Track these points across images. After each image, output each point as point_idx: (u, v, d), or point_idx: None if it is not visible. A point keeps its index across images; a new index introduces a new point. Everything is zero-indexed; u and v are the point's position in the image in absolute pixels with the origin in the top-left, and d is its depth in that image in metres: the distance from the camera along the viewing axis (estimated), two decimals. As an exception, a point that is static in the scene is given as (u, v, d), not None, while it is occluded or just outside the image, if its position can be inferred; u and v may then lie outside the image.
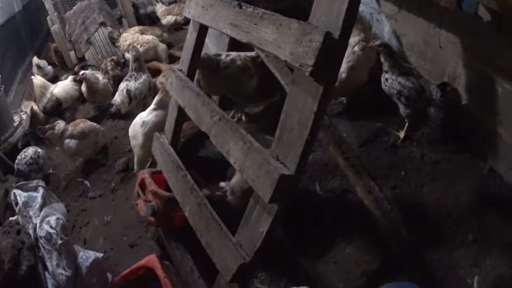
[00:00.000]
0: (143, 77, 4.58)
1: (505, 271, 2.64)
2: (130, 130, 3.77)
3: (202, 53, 3.14)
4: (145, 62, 4.81)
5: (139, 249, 3.27)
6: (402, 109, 3.14)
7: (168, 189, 2.90)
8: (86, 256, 3.27)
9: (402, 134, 3.26)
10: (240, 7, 2.46)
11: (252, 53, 3.52)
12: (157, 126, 3.48)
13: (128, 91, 4.52)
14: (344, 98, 3.72)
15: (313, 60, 1.87)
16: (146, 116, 3.61)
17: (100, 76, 5.03)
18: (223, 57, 3.40)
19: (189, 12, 3.06)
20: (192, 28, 3.05)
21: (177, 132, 3.07)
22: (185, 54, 3.06)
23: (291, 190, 2.03)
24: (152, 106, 3.63)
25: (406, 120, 3.21)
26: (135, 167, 3.83)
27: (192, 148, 3.53)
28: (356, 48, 3.37)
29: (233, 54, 3.46)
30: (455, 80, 3.13)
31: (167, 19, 6.06)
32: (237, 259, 2.21)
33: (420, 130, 3.32)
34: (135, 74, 4.59)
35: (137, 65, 4.56)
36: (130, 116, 4.59)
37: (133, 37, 5.23)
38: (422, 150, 3.21)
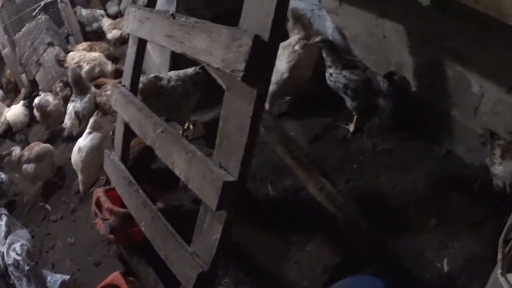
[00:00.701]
0: (88, 95, 4.55)
1: (475, 250, 2.69)
2: (71, 156, 3.78)
3: (148, 77, 3.14)
4: (92, 79, 4.79)
5: (104, 268, 3.26)
6: (349, 103, 3.15)
7: (124, 205, 2.89)
8: (54, 280, 3.28)
9: (351, 127, 3.28)
10: (174, 17, 2.46)
11: (191, 70, 3.51)
12: (94, 150, 3.46)
13: (76, 113, 4.50)
14: (289, 97, 3.73)
15: (244, 65, 1.87)
16: (82, 141, 3.58)
17: (50, 98, 4.98)
18: (164, 82, 3.35)
19: (127, 27, 3.05)
20: (132, 42, 3.04)
21: (126, 148, 3.06)
22: (127, 69, 3.05)
23: (237, 196, 2.03)
24: (87, 130, 3.59)
25: (354, 113, 3.23)
26: (80, 189, 3.84)
27: (144, 161, 3.51)
28: (296, 47, 3.37)
29: (174, 76, 3.42)
30: (402, 68, 3.16)
31: (113, 34, 6.00)
32: (195, 269, 2.21)
33: (370, 121, 3.32)
34: (80, 94, 4.56)
35: (78, 85, 4.55)
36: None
37: (80, 55, 5.18)
38: (373, 141, 3.23)
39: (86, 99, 4.52)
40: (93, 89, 4.72)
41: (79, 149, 3.59)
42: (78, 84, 4.59)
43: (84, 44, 5.74)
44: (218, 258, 2.19)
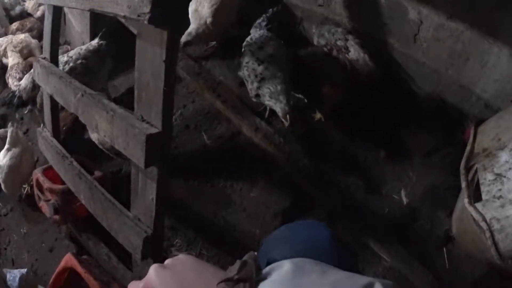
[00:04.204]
0: None
1: (433, 179, 2.66)
2: None
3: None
4: (24, 59, 4.58)
5: (59, 251, 3.13)
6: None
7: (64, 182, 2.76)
8: (13, 276, 3.17)
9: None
10: (80, -26, 2.31)
11: (94, 43, 3.30)
12: (14, 168, 3.22)
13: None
14: (214, 43, 3.61)
15: (149, 6, 1.73)
16: (1, 160, 3.37)
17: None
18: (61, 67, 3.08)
19: (41, -3, 2.90)
20: (47, 12, 2.86)
21: (56, 122, 2.91)
22: (46, 41, 2.87)
23: (165, 148, 1.93)
24: (6, 146, 3.36)
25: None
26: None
27: (78, 132, 3.37)
28: None
29: (74, 55, 3.19)
30: (330, 0, 3.08)
31: (41, 11, 5.78)
32: (140, 234, 2.11)
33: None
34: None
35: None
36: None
37: (8, 40, 4.96)
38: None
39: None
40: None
41: (-1, 167, 3.37)
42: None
43: (16, 23, 5.52)
44: (160, 219, 2.11)
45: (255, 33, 2.93)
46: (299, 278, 0.78)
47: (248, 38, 2.91)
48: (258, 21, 3.02)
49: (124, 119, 1.98)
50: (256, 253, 0.86)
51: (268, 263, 0.84)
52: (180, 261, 0.90)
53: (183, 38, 3.18)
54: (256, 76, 2.62)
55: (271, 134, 2.53)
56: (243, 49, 2.84)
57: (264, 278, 0.79)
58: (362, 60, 2.89)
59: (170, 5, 1.81)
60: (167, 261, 0.90)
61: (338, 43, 3.00)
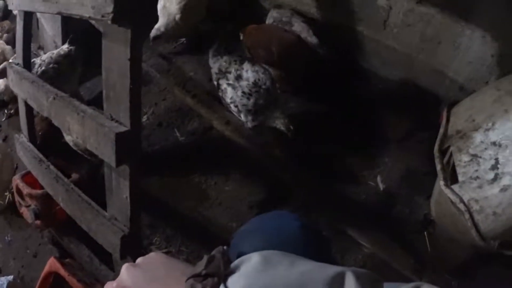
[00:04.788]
0: None
1: (409, 164, 2.67)
2: None
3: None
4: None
5: (43, 256, 3.13)
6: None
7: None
8: (1, 284, 3.16)
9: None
10: (49, -21, 2.32)
11: (65, 47, 3.29)
12: None
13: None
14: (184, 39, 3.62)
15: (112, 6, 1.76)
16: None
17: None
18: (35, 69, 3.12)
19: (12, 4, 2.88)
20: (19, 18, 2.87)
21: (32, 126, 2.92)
22: (18, 46, 2.87)
23: (136, 146, 1.95)
24: None
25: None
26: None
27: (54, 135, 3.36)
28: None
29: (47, 59, 3.20)
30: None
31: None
32: (117, 233, 2.13)
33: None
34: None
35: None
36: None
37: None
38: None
39: None
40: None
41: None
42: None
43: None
44: (136, 217, 2.11)
45: (221, 62, 2.78)
46: (267, 270, 0.78)
47: (215, 70, 2.78)
48: (214, 48, 2.89)
49: (94, 119, 1.99)
50: (225, 247, 0.86)
51: (239, 256, 0.84)
52: (151, 259, 0.91)
53: (152, 33, 3.19)
54: (249, 110, 2.59)
55: (241, 126, 2.55)
56: (217, 83, 2.75)
57: (233, 272, 0.79)
58: (306, 33, 2.92)
59: (133, 4, 1.82)
60: (138, 260, 0.92)
61: (284, 19, 3.04)
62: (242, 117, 2.63)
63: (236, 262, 0.82)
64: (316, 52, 2.96)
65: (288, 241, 1.18)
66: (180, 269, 0.87)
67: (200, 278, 0.79)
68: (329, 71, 3.00)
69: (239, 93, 2.59)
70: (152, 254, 0.93)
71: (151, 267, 0.89)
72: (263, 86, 2.59)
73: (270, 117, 2.54)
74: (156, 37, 3.21)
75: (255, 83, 2.59)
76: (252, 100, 2.56)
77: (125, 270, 0.89)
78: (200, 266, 0.81)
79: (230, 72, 2.68)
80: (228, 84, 2.66)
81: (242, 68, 2.66)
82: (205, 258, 0.82)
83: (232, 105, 2.64)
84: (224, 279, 0.78)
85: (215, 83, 2.75)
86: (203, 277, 0.79)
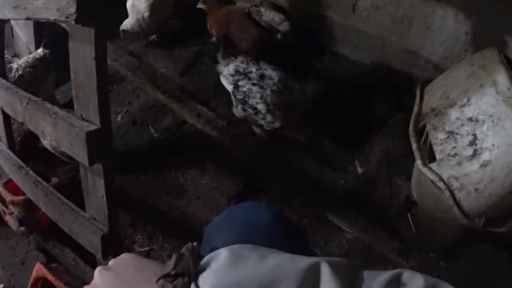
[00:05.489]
0: None
1: (385, 146, 2.67)
2: None
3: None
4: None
5: (31, 263, 3.12)
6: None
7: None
8: (-8, 293, 3.17)
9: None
10: (16, -13, 2.33)
11: (40, 51, 3.29)
12: None
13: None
14: (154, 36, 3.62)
15: (75, 7, 1.79)
16: None
17: None
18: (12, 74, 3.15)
19: (-16, 12, 2.88)
20: (-9, 26, 2.88)
21: (10, 134, 2.92)
22: (-9, 54, 2.89)
23: (107, 144, 1.96)
24: None
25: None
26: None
27: (32, 141, 3.37)
28: None
29: (23, 63, 3.21)
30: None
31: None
32: (97, 233, 2.15)
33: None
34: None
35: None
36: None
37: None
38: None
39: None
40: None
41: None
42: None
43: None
44: (113, 215, 2.14)
45: (236, 63, 2.73)
46: (237, 266, 0.76)
47: (229, 72, 2.72)
48: (221, 51, 2.83)
49: (66, 120, 2.00)
50: (195, 243, 0.85)
51: (211, 251, 0.83)
52: (122, 260, 0.90)
53: (122, 27, 3.22)
54: (278, 109, 2.60)
55: (213, 119, 2.57)
56: (235, 85, 2.69)
57: (203, 269, 0.78)
58: (278, 18, 2.93)
59: (96, 5, 1.85)
60: (110, 262, 0.91)
61: (252, 9, 3.07)
62: (268, 118, 2.59)
63: (205, 259, 0.81)
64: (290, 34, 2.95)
65: (260, 232, 1.15)
66: (151, 269, 0.86)
67: (171, 278, 0.78)
68: (298, 56, 3.01)
69: (268, 91, 2.57)
70: (123, 255, 0.92)
71: (122, 269, 0.88)
72: (288, 83, 2.61)
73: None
74: (125, 31, 3.28)
75: (280, 81, 2.60)
76: (282, 98, 2.57)
77: (98, 273, 0.88)
78: (169, 266, 0.80)
79: (251, 72, 2.65)
80: (253, 84, 2.62)
81: (261, 67, 2.65)
82: (174, 256, 0.81)
83: (260, 105, 2.59)
84: (195, 278, 0.77)
85: (230, 86, 2.69)
86: (173, 277, 0.78)
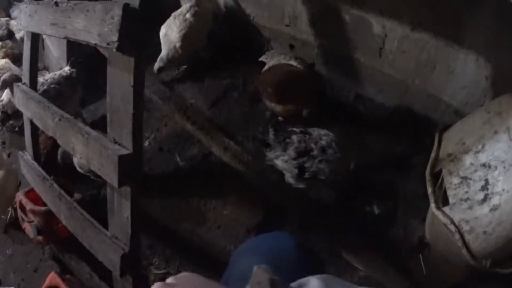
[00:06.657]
0: None
1: (403, 187, 2.71)
2: None
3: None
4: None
5: (43, 272, 3.17)
6: None
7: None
8: (2, 294, 3.21)
9: None
10: (57, 5, 2.40)
11: (66, 69, 3.42)
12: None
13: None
14: (185, 66, 3.69)
15: (117, 35, 1.86)
16: None
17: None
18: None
19: (21, 24, 2.96)
20: (26, 38, 2.96)
21: (36, 145, 2.99)
22: (25, 66, 2.95)
23: (137, 168, 2.01)
24: None
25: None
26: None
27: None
28: (187, 15, 3.37)
29: (49, 79, 3.33)
30: (297, 20, 3.14)
31: (21, 34, 5.83)
32: (117, 251, 2.18)
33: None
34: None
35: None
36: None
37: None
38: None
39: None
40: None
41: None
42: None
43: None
44: (136, 236, 2.17)
45: (294, 145, 2.54)
46: None
47: (290, 156, 2.53)
48: (271, 133, 2.62)
49: (98, 141, 2.06)
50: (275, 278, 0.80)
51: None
52: (186, 278, 0.87)
53: (156, 65, 3.30)
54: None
55: (239, 153, 2.61)
56: (300, 167, 2.53)
57: None
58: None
59: (136, 34, 1.91)
60: (170, 280, 0.87)
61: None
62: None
63: (294, 284, 0.83)
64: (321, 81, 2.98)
65: (284, 259, 1.22)
66: None
67: None
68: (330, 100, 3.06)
69: (334, 163, 2.49)
70: (186, 273, 0.88)
71: (187, 286, 0.84)
72: (340, 143, 2.53)
73: None
74: (161, 69, 3.32)
75: (329, 145, 2.50)
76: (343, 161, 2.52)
77: None
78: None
79: (312, 150, 2.51)
80: (320, 161, 2.50)
81: (314, 138, 2.52)
82: (267, 280, 0.77)
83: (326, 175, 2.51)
84: None
85: (295, 170, 2.53)
86: None
